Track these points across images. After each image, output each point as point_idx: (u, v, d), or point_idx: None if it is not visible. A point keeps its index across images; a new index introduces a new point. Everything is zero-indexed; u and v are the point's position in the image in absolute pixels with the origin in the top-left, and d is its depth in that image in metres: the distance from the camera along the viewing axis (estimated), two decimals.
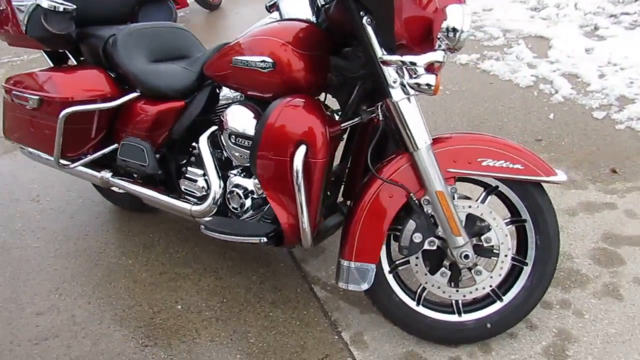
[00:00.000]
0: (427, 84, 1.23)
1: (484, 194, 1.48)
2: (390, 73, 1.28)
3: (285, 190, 1.38)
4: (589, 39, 3.65)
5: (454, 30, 1.19)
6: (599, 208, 2.05)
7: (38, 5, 1.78)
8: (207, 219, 1.69)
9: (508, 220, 1.48)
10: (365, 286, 1.44)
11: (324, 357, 1.54)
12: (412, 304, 1.49)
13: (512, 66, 3.36)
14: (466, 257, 1.38)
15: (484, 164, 1.38)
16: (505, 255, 1.44)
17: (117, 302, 1.86)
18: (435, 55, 1.22)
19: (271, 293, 1.81)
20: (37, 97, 1.86)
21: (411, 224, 1.41)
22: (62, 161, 1.94)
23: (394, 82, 1.28)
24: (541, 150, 2.47)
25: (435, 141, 1.40)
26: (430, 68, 1.27)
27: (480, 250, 1.45)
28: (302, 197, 1.34)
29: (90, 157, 1.95)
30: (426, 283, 1.47)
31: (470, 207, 1.43)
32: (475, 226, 1.44)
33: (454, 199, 1.42)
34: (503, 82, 3.25)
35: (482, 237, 1.44)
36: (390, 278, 1.49)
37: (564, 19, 4.08)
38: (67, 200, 2.55)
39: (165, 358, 1.60)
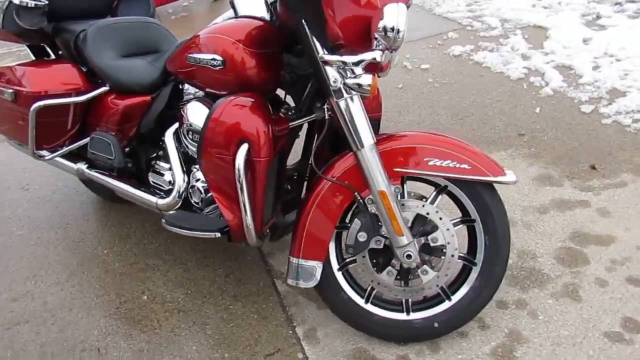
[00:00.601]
0: (363, 84, 1.22)
1: (434, 193, 1.47)
2: (331, 73, 1.28)
3: (229, 188, 1.39)
4: (589, 28, 3.55)
5: (391, 29, 1.17)
6: (571, 206, 2.03)
7: (10, 1, 1.82)
8: (170, 212, 1.72)
9: (458, 220, 1.48)
10: (312, 283, 1.46)
11: (276, 351, 1.57)
12: (360, 301, 1.51)
13: (506, 58, 3.30)
14: (409, 256, 1.39)
15: (430, 163, 1.38)
16: (452, 255, 1.44)
17: (88, 290, 1.92)
18: (372, 55, 1.22)
19: (234, 286, 1.85)
20: (11, 91, 1.91)
21: (357, 223, 1.42)
22: (38, 152, 1.98)
23: (335, 81, 1.28)
24: (522, 145, 2.43)
25: (383, 140, 1.40)
26: (372, 67, 1.27)
27: (429, 250, 1.46)
28: (244, 196, 1.35)
29: (65, 149, 2.00)
30: (372, 282, 1.48)
31: (417, 206, 1.43)
32: (423, 226, 1.45)
33: (403, 197, 1.42)
34: (494, 75, 3.19)
35: (429, 237, 1.44)
36: (339, 276, 1.50)
37: (566, 7, 3.97)
38: (54, 189, 2.61)
39: (125, 347, 1.65)
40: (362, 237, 1.41)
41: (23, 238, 2.27)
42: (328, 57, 1.26)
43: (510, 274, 1.73)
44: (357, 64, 1.24)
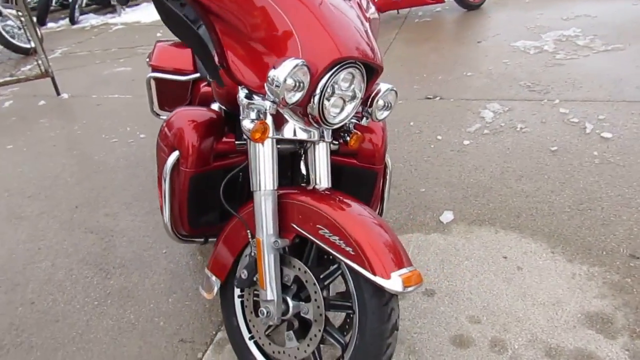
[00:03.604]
0: (244, 127, 1.23)
1: (333, 267, 1.35)
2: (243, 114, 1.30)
3: (160, 187, 1.56)
4: None
5: (273, 81, 1.15)
6: None
7: None
8: None
9: (339, 302, 1.33)
10: (211, 296, 1.54)
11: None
12: (246, 335, 1.52)
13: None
14: (267, 314, 1.33)
15: (320, 232, 1.28)
16: (315, 335, 1.32)
17: None
18: (262, 103, 1.22)
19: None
20: (148, 59, 2.44)
21: (244, 260, 1.43)
22: (156, 110, 2.48)
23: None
24: (623, 268, 1.82)
25: (297, 193, 1.36)
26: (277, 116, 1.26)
27: (300, 316, 1.36)
28: (165, 198, 1.52)
29: None
30: (250, 321, 1.47)
31: (299, 269, 1.34)
32: (300, 290, 1.36)
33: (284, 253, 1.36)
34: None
35: (301, 305, 1.34)
36: (237, 303, 1.54)
37: None
38: None
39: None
40: (244, 274, 1.41)
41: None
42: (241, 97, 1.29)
43: None
44: (250, 108, 1.24)
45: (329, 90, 1.24)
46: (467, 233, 2.13)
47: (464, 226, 2.18)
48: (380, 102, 1.46)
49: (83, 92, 4.76)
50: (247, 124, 1.22)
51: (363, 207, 1.32)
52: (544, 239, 2.04)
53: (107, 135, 3.65)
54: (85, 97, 4.63)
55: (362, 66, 1.28)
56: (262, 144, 1.31)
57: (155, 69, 2.31)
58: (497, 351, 1.57)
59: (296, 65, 1.14)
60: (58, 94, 4.69)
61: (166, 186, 1.51)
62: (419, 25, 5.70)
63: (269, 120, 1.29)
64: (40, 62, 4.52)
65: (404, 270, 1.21)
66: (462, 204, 2.34)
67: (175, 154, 1.49)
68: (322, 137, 1.41)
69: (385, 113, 1.50)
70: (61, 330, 1.86)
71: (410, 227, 2.21)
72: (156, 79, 2.30)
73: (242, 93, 1.27)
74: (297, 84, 1.18)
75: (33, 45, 4.62)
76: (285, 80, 1.14)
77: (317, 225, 1.28)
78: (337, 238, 1.24)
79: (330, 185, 1.45)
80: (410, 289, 1.19)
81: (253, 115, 1.24)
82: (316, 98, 1.23)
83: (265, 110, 1.23)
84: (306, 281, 1.34)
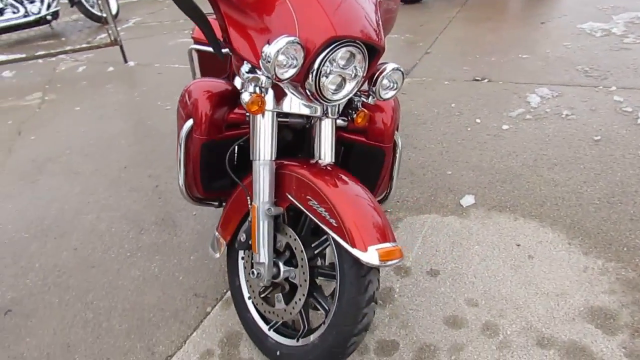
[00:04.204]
0: (242, 100, 1.31)
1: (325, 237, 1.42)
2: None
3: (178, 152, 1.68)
4: None
5: (266, 57, 1.21)
6: None
7: None
8: None
9: (326, 271, 1.40)
10: (217, 255, 1.66)
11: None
12: (246, 295, 1.63)
13: None
14: (258, 275, 1.43)
15: (309, 203, 1.35)
16: (299, 299, 1.40)
17: None
18: (255, 76, 1.29)
19: None
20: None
21: (246, 224, 1.53)
22: None
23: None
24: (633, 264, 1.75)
25: (295, 166, 1.43)
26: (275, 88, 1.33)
27: (290, 281, 1.45)
28: (180, 162, 1.63)
29: None
30: (247, 281, 1.58)
31: (290, 237, 1.43)
32: (293, 257, 1.44)
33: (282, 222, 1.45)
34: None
35: (289, 270, 1.43)
36: (240, 264, 1.65)
37: None
38: None
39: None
40: (243, 237, 1.51)
41: None
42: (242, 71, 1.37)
43: None
44: (249, 82, 1.32)
45: (325, 67, 1.28)
46: (484, 218, 2.12)
47: (483, 211, 2.16)
48: (385, 82, 1.48)
49: (148, 61, 5.05)
50: (244, 97, 1.30)
51: (357, 185, 1.37)
52: (563, 229, 1.99)
53: (162, 102, 3.87)
54: (149, 65, 4.91)
55: (362, 45, 1.31)
56: (262, 115, 1.38)
57: (196, 41, 2.43)
58: (488, 335, 1.58)
59: (288, 42, 1.20)
60: (125, 61, 5.00)
61: (181, 152, 1.63)
62: (484, 3, 5.48)
63: (270, 94, 1.36)
64: (110, 31, 4.83)
65: (383, 245, 1.25)
66: (486, 189, 2.31)
67: (190, 122, 1.60)
68: (325, 113, 1.47)
69: (391, 93, 1.52)
70: (95, 275, 2.07)
71: (429, 208, 2.23)
72: (198, 51, 2.43)
73: (244, 67, 1.35)
74: (290, 60, 1.24)
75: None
76: (276, 56, 1.20)
77: (307, 197, 1.35)
78: (323, 210, 1.30)
79: (333, 161, 1.51)
80: (388, 263, 1.24)
81: (251, 89, 1.32)
82: (312, 74, 1.28)
83: (262, 84, 1.30)
84: (295, 248, 1.42)
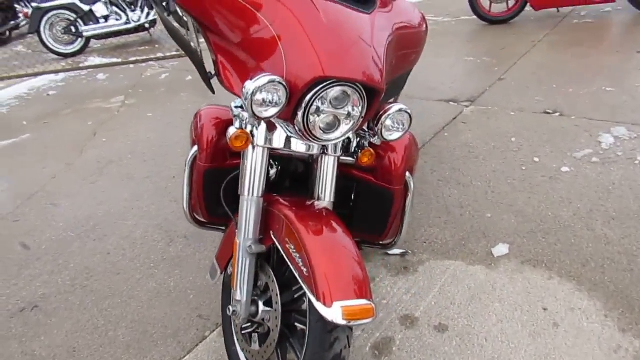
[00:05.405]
0: (228, 136, 1.29)
1: None
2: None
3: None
4: None
5: (247, 94, 1.18)
6: None
7: None
8: None
9: (300, 317, 1.33)
10: (212, 281, 1.66)
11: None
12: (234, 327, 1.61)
13: None
14: (234, 312, 1.40)
15: (287, 246, 1.30)
16: (270, 344, 1.35)
17: None
18: (240, 112, 1.27)
19: None
20: None
21: None
22: None
23: None
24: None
25: (286, 204, 1.38)
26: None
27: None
28: (184, 185, 1.65)
29: None
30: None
31: (269, 277, 1.38)
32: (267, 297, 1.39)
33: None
34: None
35: (266, 311, 1.38)
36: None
37: None
38: None
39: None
40: (229, 270, 1.49)
41: None
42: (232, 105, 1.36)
43: None
44: (236, 117, 1.31)
45: (314, 106, 1.23)
46: (514, 272, 1.92)
47: (515, 264, 1.96)
48: (389, 122, 1.40)
49: None
50: (230, 131, 1.29)
51: (343, 234, 1.30)
52: (602, 297, 1.75)
53: None
54: None
55: (358, 85, 1.24)
56: (253, 150, 1.35)
57: None
58: None
59: (269, 81, 1.16)
60: None
61: (186, 176, 1.65)
62: (576, 27, 5.06)
63: (262, 128, 1.33)
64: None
65: (352, 302, 1.17)
66: (525, 238, 2.10)
67: (195, 148, 1.62)
68: (324, 151, 1.41)
69: (396, 134, 1.43)
70: (117, 282, 2.16)
71: (457, 254, 2.07)
72: None
73: (235, 102, 1.33)
74: (272, 98, 1.20)
75: None
76: (253, 95, 1.16)
77: (286, 239, 1.30)
78: (298, 256, 1.25)
79: (332, 200, 1.45)
80: (353, 322, 1.15)
81: (237, 124, 1.30)
82: (299, 113, 1.23)
83: (246, 120, 1.27)
84: (272, 290, 1.37)
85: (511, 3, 5.48)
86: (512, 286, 1.85)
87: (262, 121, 1.30)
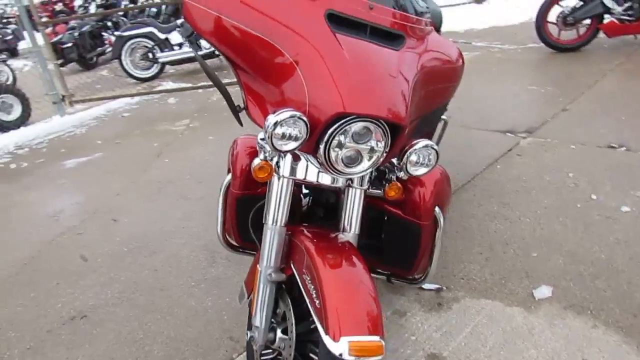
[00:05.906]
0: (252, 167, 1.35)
1: None
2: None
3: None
4: None
5: (267, 128, 1.23)
6: None
7: None
8: None
9: (314, 347, 1.33)
10: (240, 305, 1.70)
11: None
12: None
13: None
14: (251, 338, 1.42)
15: (304, 276, 1.32)
16: None
17: None
18: (264, 144, 1.32)
19: None
20: None
21: None
22: None
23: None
24: None
25: (308, 236, 1.40)
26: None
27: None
28: (218, 210, 1.72)
29: None
30: None
31: (287, 305, 1.40)
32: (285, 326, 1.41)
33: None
34: None
35: (283, 339, 1.40)
36: None
37: None
38: None
39: None
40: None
41: None
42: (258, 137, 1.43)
43: None
44: (261, 149, 1.36)
45: (335, 140, 1.25)
46: (555, 317, 1.81)
47: (558, 308, 1.85)
48: (413, 157, 1.40)
49: None
50: (254, 162, 1.34)
51: (361, 270, 1.29)
52: None
53: None
54: None
55: (381, 121, 1.26)
56: (278, 180, 1.39)
57: None
58: None
59: (290, 116, 1.20)
60: None
61: (220, 201, 1.72)
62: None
63: (288, 159, 1.37)
64: None
65: (361, 338, 1.17)
66: (571, 281, 1.97)
67: (229, 176, 1.69)
68: (350, 183, 1.43)
69: (422, 170, 1.43)
70: (160, 298, 2.27)
71: (495, 293, 1.98)
72: None
73: (261, 133, 1.38)
74: (292, 133, 1.24)
75: None
76: (273, 129, 1.21)
77: (304, 270, 1.32)
78: (312, 287, 1.26)
79: (357, 232, 1.46)
80: (360, 359, 1.14)
81: (262, 155, 1.35)
82: (321, 147, 1.26)
83: (268, 152, 1.32)
84: (288, 319, 1.39)
85: (582, 30, 5.26)
86: (551, 332, 1.75)
87: (288, 153, 1.34)
